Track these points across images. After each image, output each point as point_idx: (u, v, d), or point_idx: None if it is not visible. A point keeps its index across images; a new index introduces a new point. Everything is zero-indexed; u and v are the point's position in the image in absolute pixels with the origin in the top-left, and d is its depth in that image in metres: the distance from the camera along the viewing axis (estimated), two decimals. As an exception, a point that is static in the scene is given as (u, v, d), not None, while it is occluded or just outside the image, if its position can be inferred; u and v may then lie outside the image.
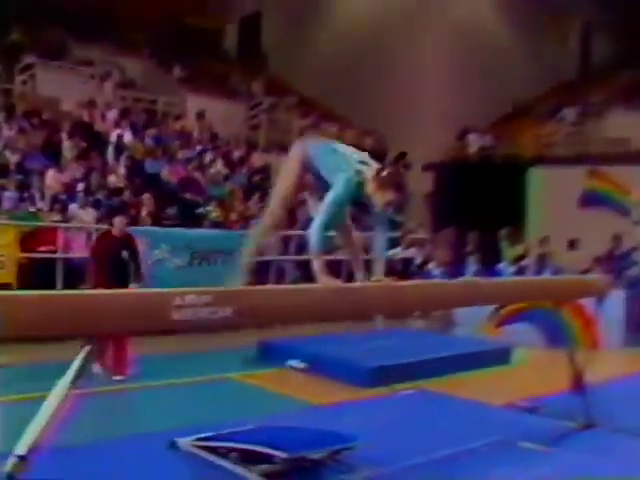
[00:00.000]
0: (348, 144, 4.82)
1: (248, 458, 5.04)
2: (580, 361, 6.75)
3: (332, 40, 24.88)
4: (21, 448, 3.30)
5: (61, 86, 17.09)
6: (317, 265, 4.43)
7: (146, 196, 12.57)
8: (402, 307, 5.81)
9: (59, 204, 11.58)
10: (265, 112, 21.26)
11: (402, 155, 20.34)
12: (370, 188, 4.42)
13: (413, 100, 22.00)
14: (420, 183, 21.07)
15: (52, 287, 9.87)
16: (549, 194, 18.65)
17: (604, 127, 20.82)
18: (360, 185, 4.44)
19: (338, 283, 4.56)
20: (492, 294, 5.69)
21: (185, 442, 5.44)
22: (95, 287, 7.37)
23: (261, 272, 12.37)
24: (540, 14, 25.54)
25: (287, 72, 25.51)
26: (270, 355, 9.32)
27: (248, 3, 27.69)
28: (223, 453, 5.19)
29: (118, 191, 12.77)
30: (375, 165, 4.55)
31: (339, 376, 8.10)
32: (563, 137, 21.07)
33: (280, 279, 12.81)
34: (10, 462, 3.28)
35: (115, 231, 8.14)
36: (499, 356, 9.63)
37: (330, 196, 4.42)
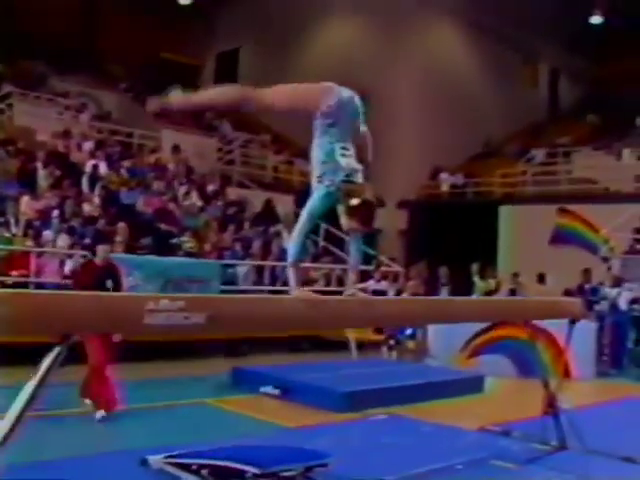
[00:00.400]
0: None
1: (219, 474, 4.96)
2: (553, 386, 6.70)
3: (306, 79, 24.89)
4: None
5: (37, 116, 17.12)
6: (292, 276, 4.38)
7: (121, 225, 12.45)
8: (374, 321, 5.73)
9: (33, 230, 11.47)
10: (240, 148, 21.28)
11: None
12: (339, 208, 4.32)
13: (387, 139, 22.08)
14: (394, 220, 21.17)
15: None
16: (519, 231, 18.85)
17: (571, 167, 21.09)
18: (337, 200, 4.33)
19: (311, 295, 4.49)
20: (467, 312, 5.64)
21: (156, 459, 5.33)
22: None
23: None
24: (511, 59, 26.01)
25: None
26: (244, 382, 9.21)
27: (225, 40, 27.88)
28: (194, 470, 5.08)
29: (92, 219, 12.67)
30: (360, 182, 4.35)
31: (312, 401, 8.00)
32: (532, 176, 21.25)
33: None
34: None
35: (98, 260, 7.78)
36: (472, 385, 9.57)
37: (309, 206, 4.34)
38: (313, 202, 4.36)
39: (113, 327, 3.64)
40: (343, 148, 4.40)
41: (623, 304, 12.65)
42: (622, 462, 5.99)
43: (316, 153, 4.44)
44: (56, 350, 3.45)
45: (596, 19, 26.79)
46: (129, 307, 3.61)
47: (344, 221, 4.30)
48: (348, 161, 4.36)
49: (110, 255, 7.98)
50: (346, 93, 4.59)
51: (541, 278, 13.39)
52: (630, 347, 12.52)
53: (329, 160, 4.35)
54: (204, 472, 5.03)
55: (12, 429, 3.31)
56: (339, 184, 4.27)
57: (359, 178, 4.34)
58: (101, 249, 7.79)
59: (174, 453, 5.36)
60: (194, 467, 5.10)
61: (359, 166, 4.40)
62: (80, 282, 7.69)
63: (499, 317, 7.00)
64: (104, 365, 6.99)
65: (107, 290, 7.46)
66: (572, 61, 28.63)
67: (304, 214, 4.37)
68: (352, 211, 4.21)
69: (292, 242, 4.38)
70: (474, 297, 13.50)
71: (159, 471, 5.25)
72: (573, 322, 7.08)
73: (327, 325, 6.23)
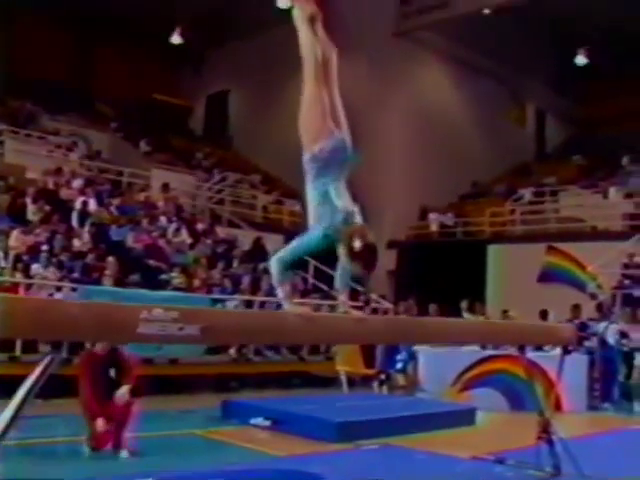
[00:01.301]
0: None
1: None
2: (547, 414, 6.64)
3: (295, 121, 25.04)
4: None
5: (28, 154, 17.18)
6: (281, 293, 4.34)
7: (110, 259, 12.43)
8: (366, 338, 5.65)
9: (22, 264, 11.40)
10: (230, 187, 21.33)
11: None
12: (341, 250, 4.17)
13: (377, 180, 22.20)
14: (384, 259, 21.11)
15: (12, 343, 9.63)
16: (508, 269, 18.83)
17: (559, 206, 21.19)
18: (335, 241, 4.21)
19: (303, 309, 4.45)
20: (462, 333, 5.61)
21: None
22: (86, 403, 6.72)
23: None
24: (500, 99, 26.27)
25: (251, 150, 25.89)
26: (234, 414, 9.08)
27: (215, 82, 28.08)
28: None
29: (81, 254, 12.65)
30: (359, 224, 4.24)
31: (303, 432, 7.91)
32: (520, 215, 21.33)
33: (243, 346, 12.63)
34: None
35: (99, 349, 7.00)
36: (464, 417, 9.47)
37: (303, 241, 4.30)
38: (309, 240, 4.30)
39: (108, 335, 3.61)
40: (337, 189, 4.34)
41: (611, 338, 12.64)
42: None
43: (311, 195, 4.39)
44: (48, 357, 3.43)
45: (580, 60, 27.13)
46: (123, 316, 3.60)
47: (345, 262, 4.21)
48: (344, 203, 4.28)
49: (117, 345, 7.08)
50: (340, 136, 4.59)
51: (544, 315, 13.38)
52: (620, 381, 12.46)
53: (325, 202, 4.28)
54: None
55: (2, 435, 3.28)
56: (338, 226, 4.17)
57: (357, 219, 4.24)
58: None
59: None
60: None
61: (355, 207, 4.32)
62: (82, 374, 6.89)
63: (499, 340, 6.90)
64: (90, 401, 6.72)
65: (111, 381, 6.90)
66: (558, 102, 28.94)
67: (294, 244, 4.32)
68: (355, 255, 4.08)
69: (274, 263, 4.29)
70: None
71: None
72: (566, 352, 7.09)
73: (319, 339, 6.17)
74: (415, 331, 5.16)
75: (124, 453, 6.58)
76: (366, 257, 4.11)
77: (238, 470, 5.45)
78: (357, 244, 4.05)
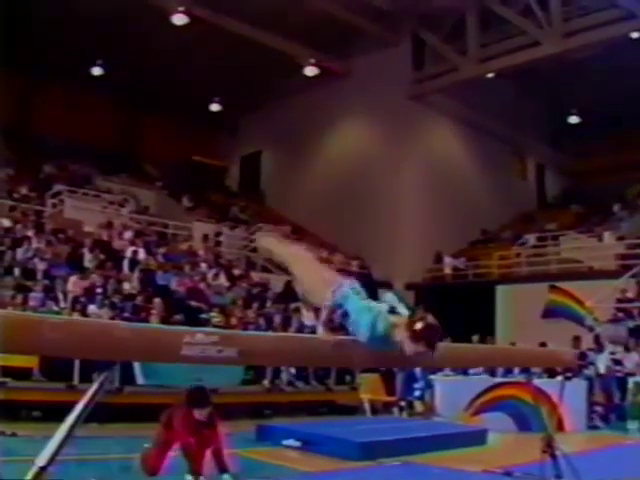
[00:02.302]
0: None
1: None
2: (550, 431, 6.60)
3: (321, 175, 25.42)
4: (42, 460, 3.25)
5: (84, 210, 17.45)
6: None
7: (156, 300, 12.58)
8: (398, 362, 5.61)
9: (79, 304, 11.57)
10: (263, 237, 21.45)
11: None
12: (400, 335, 3.82)
13: (395, 228, 22.32)
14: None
15: (70, 375, 9.74)
16: (515, 306, 18.82)
17: (559, 249, 21.15)
18: (386, 329, 3.87)
19: (334, 337, 4.38)
20: (473, 358, 5.63)
21: None
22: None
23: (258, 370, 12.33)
24: (503, 155, 26.44)
25: (282, 204, 26.16)
26: (267, 436, 9.12)
27: (249, 143, 28.47)
28: None
29: (131, 296, 12.80)
30: (405, 312, 3.97)
31: (330, 451, 7.91)
32: (525, 258, 21.30)
33: (276, 378, 12.65)
34: (32, 471, 3.21)
35: (198, 414, 5.95)
36: (476, 437, 9.43)
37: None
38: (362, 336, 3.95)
39: (154, 356, 3.67)
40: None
41: (602, 367, 12.64)
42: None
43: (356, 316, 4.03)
44: (103, 375, 3.51)
45: (573, 119, 27.47)
46: (169, 339, 3.66)
47: (407, 346, 3.78)
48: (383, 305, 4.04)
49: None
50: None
51: (543, 346, 13.35)
52: (616, 404, 12.38)
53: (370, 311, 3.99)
54: None
55: (58, 450, 3.33)
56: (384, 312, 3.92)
57: (402, 311, 3.99)
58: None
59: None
60: None
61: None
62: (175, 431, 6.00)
63: (505, 363, 7.14)
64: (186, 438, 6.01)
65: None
66: (555, 157, 29.10)
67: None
68: (418, 334, 3.75)
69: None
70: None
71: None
72: (567, 378, 7.08)
73: (348, 362, 6.01)
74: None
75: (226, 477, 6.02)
76: (429, 335, 3.80)
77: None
78: (419, 325, 3.77)
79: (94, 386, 3.51)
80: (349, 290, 4.09)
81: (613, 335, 14.56)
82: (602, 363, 12.76)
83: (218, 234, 20.36)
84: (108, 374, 3.57)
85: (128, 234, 16.61)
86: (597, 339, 13.64)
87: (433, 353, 3.84)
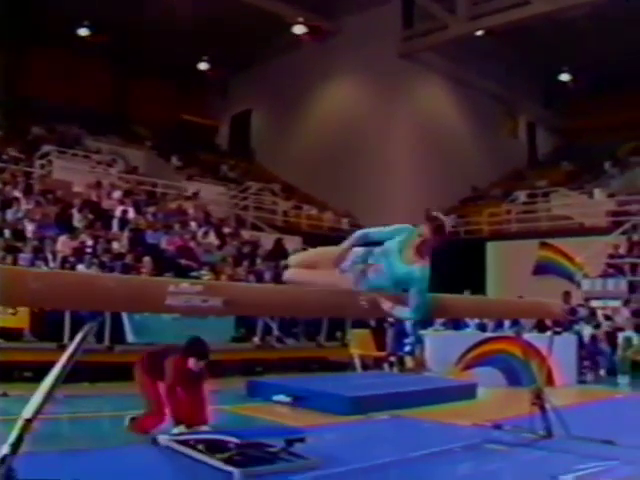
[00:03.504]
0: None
1: (211, 447, 5.23)
2: (540, 383, 6.64)
3: (312, 134, 25.29)
4: (28, 412, 3.25)
5: (73, 171, 17.31)
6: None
7: (146, 259, 12.49)
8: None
9: (68, 264, 11.49)
10: (252, 195, 21.41)
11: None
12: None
13: (384, 185, 22.24)
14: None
15: (60, 335, 9.69)
16: (505, 263, 18.85)
17: (550, 206, 21.17)
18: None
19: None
20: (464, 308, 5.62)
21: (163, 438, 5.69)
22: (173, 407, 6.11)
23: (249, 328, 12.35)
24: (494, 113, 26.32)
25: (272, 162, 26.05)
26: (257, 392, 9.09)
27: (238, 103, 28.26)
28: (192, 445, 5.38)
29: (121, 255, 12.72)
30: None
31: (320, 406, 7.88)
32: (516, 215, 21.31)
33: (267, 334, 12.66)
34: (19, 424, 3.21)
35: (192, 364, 6.10)
36: (466, 391, 9.44)
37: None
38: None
39: (138, 306, 3.64)
40: None
41: (586, 336, 12.75)
42: (603, 444, 5.89)
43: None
44: (88, 325, 3.48)
45: (565, 77, 27.37)
46: (153, 289, 3.64)
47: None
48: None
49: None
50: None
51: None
52: (606, 358, 12.47)
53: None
54: (200, 446, 5.31)
55: (44, 403, 3.32)
56: None
57: None
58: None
59: (176, 431, 5.77)
60: (191, 442, 5.40)
61: None
62: (171, 384, 6.09)
63: (497, 314, 7.89)
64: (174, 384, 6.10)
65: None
66: (546, 115, 29.00)
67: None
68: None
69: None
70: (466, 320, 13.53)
71: (166, 448, 5.53)
72: (556, 333, 7.06)
73: (332, 312, 5.94)
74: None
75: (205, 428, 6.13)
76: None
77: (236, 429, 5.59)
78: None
79: (79, 336, 3.49)
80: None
81: (613, 290, 14.67)
82: (587, 332, 12.85)
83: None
84: (93, 325, 3.55)
85: (117, 194, 16.46)
86: (589, 306, 13.86)
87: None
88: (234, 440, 5.05)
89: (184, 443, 5.41)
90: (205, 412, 6.19)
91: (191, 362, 6.08)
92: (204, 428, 6.06)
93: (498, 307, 6.39)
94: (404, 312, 4.51)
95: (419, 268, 4.36)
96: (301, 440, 5.15)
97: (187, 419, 6.02)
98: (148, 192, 18.53)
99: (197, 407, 6.16)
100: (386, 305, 4.41)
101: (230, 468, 4.77)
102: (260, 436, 5.36)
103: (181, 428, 5.98)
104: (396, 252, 4.44)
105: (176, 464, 5.22)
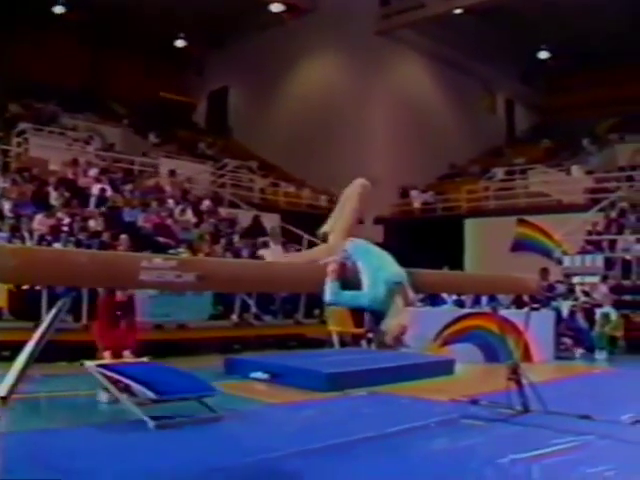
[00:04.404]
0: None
1: (128, 390, 6.03)
2: (516, 359, 6.67)
3: (289, 111, 25.19)
4: (2, 389, 3.22)
5: (50, 148, 17.11)
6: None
7: (123, 237, 12.36)
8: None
9: (45, 242, 11.38)
10: (230, 173, 21.30)
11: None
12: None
13: (362, 162, 22.13)
14: (372, 233, 21.15)
15: (39, 314, 9.60)
16: (483, 240, 18.92)
17: (528, 183, 21.25)
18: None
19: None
20: (439, 284, 5.62)
21: (89, 364, 6.33)
22: (99, 336, 7.24)
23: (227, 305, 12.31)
24: (472, 90, 26.32)
25: (249, 140, 25.91)
26: (235, 369, 9.06)
27: (216, 79, 28.05)
28: (113, 381, 6.08)
29: (97, 233, 12.62)
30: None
31: (298, 383, 7.90)
32: (493, 192, 21.38)
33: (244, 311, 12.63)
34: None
35: (119, 295, 7.39)
36: (443, 367, 9.49)
37: (365, 298, 4.12)
38: (370, 297, 4.11)
39: (112, 281, 3.60)
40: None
41: (565, 311, 12.85)
42: (579, 419, 5.95)
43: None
44: (61, 301, 3.43)
45: (543, 54, 27.38)
46: (126, 264, 3.60)
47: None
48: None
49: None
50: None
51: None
52: (583, 334, 12.56)
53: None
54: (120, 385, 6.04)
55: (18, 380, 3.29)
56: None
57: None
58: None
59: (101, 363, 6.47)
60: (113, 379, 6.07)
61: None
62: (100, 316, 7.38)
63: (474, 290, 7.81)
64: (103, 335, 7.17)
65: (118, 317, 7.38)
66: (525, 92, 29.05)
67: (355, 296, 4.15)
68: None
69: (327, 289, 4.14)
70: (444, 296, 13.57)
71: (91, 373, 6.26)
72: (533, 309, 7.05)
73: (305, 287, 5.90)
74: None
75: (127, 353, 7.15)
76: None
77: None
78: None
79: (52, 312, 3.45)
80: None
81: (590, 266, 14.77)
82: (566, 308, 12.95)
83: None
84: (66, 300, 3.51)
85: (93, 171, 16.28)
86: (568, 282, 13.96)
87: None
88: (151, 396, 5.74)
89: (108, 377, 6.05)
90: (130, 338, 7.18)
91: (118, 295, 7.11)
92: (126, 353, 7.01)
93: (474, 282, 6.39)
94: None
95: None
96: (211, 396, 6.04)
97: (113, 345, 6.95)
98: (125, 170, 18.36)
99: (124, 334, 7.16)
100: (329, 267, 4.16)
101: (146, 418, 5.50)
102: (176, 393, 6.03)
103: (107, 354, 6.89)
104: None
105: (153, 441, 5.19)
